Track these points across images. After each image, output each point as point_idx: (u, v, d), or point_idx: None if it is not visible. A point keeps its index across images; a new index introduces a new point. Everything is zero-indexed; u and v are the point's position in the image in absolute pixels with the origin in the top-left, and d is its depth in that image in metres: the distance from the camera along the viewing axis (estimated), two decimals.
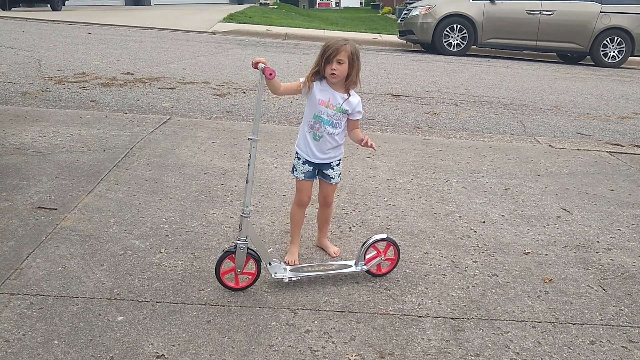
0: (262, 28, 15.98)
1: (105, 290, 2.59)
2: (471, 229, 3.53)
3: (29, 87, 6.64)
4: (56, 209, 3.35)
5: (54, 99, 6.17)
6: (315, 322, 2.48)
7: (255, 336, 2.34)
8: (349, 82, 2.72)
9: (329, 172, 2.87)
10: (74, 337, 2.25)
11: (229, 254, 2.60)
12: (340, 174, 2.92)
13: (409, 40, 14.42)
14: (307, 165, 2.85)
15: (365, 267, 2.80)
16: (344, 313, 2.55)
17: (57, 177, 3.81)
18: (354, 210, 3.68)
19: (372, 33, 18.04)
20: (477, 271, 3.02)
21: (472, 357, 2.31)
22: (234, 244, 2.60)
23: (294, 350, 2.28)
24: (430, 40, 13.42)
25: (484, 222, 3.65)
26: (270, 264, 2.68)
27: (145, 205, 3.49)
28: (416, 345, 2.37)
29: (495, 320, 2.59)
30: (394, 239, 2.93)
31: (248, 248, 2.59)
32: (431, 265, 3.05)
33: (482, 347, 2.38)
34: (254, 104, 6.17)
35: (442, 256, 3.16)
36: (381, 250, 2.85)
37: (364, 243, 2.82)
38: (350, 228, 3.42)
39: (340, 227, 3.42)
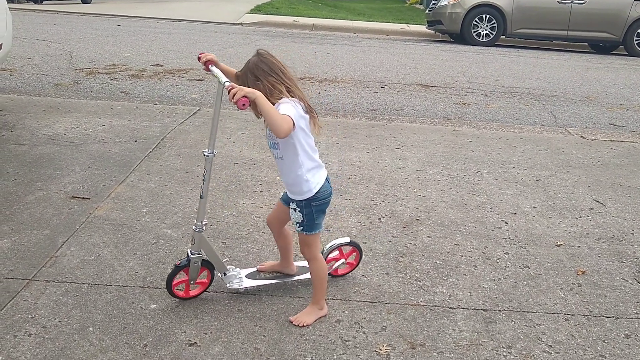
0: (289, 19, 15.97)
1: (138, 278, 2.62)
2: (502, 221, 3.49)
3: (61, 78, 6.74)
4: (89, 199, 3.40)
5: (86, 90, 6.26)
6: (346, 312, 2.48)
7: (287, 325, 2.35)
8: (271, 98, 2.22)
9: (290, 211, 2.41)
10: (108, 324, 2.29)
11: (181, 268, 2.41)
12: (298, 223, 2.36)
13: (438, 31, 14.29)
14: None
15: None
16: (374, 303, 2.55)
17: (90, 167, 3.87)
18: (383, 201, 3.67)
19: (400, 23, 17.87)
20: (508, 263, 2.99)
21: (504, 349, 2.29)
22: (186, 258, 2.41)
23: (324, 339, 2.28)
24: (459, 31, 13.28)
25: (515, 213, 3.61)
26: (225, 274, 2.51)
27: (177, 195, 3.53)
28: (447, 336, 2.36)
29: (528, 312, 2.56)
30: (358, 244, 2.75)
31: (202, 259, 2.44)
32: (462, 256, 3.03)
33: (514, 339, 2.36)
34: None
35: (473, 248, 3.13)
36: (344, 254, 2.73)
37: (326, 246, 2.66)
38: (379, 219, 3.41)
39: (369, 218, 3.41)
